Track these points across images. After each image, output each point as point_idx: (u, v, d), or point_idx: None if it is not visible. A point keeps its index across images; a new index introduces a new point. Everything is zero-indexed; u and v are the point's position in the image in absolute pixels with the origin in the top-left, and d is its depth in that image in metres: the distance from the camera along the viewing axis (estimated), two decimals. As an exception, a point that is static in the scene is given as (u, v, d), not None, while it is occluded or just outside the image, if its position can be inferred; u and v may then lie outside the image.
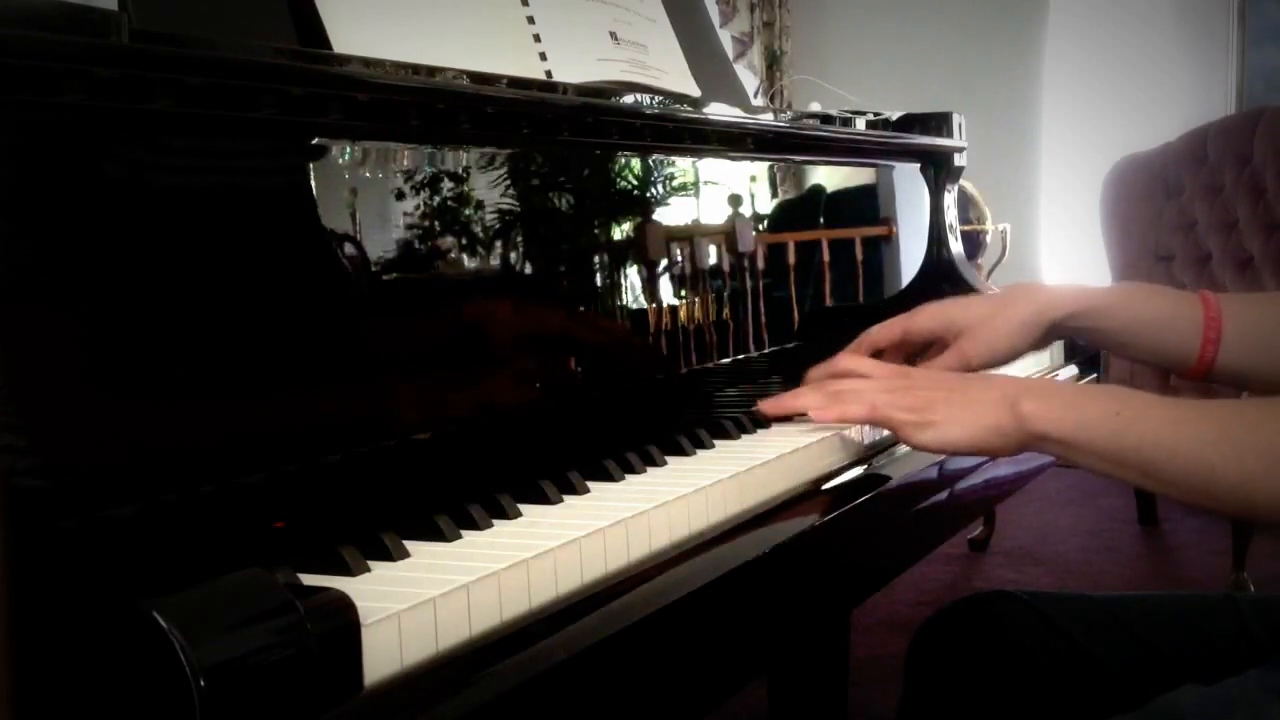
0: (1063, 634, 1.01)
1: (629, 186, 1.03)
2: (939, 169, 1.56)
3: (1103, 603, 1.04)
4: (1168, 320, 1.01)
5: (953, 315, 1.07)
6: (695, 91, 1.21)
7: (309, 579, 0.59)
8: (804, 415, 0.96)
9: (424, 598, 0.57)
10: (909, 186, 1.53)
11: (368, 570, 0.62)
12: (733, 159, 1.18)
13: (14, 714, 0.50)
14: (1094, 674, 0.99)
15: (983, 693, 1.02)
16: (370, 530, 0.65)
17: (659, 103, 1.08)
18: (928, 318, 1.08)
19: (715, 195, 1.15)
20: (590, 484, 0.81)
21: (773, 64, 4.56)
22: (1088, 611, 1.02)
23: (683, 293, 1.07)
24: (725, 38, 3.96)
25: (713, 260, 1.12)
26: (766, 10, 4.57)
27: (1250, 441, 0.79)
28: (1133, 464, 0.83)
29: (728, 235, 1.14)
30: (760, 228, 1.21)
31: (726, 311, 1.13)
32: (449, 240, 0.84)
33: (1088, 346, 1.41)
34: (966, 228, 2.71)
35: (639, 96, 1.06)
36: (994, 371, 1.07)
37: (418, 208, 0.82)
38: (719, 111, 1.15)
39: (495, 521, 0.72)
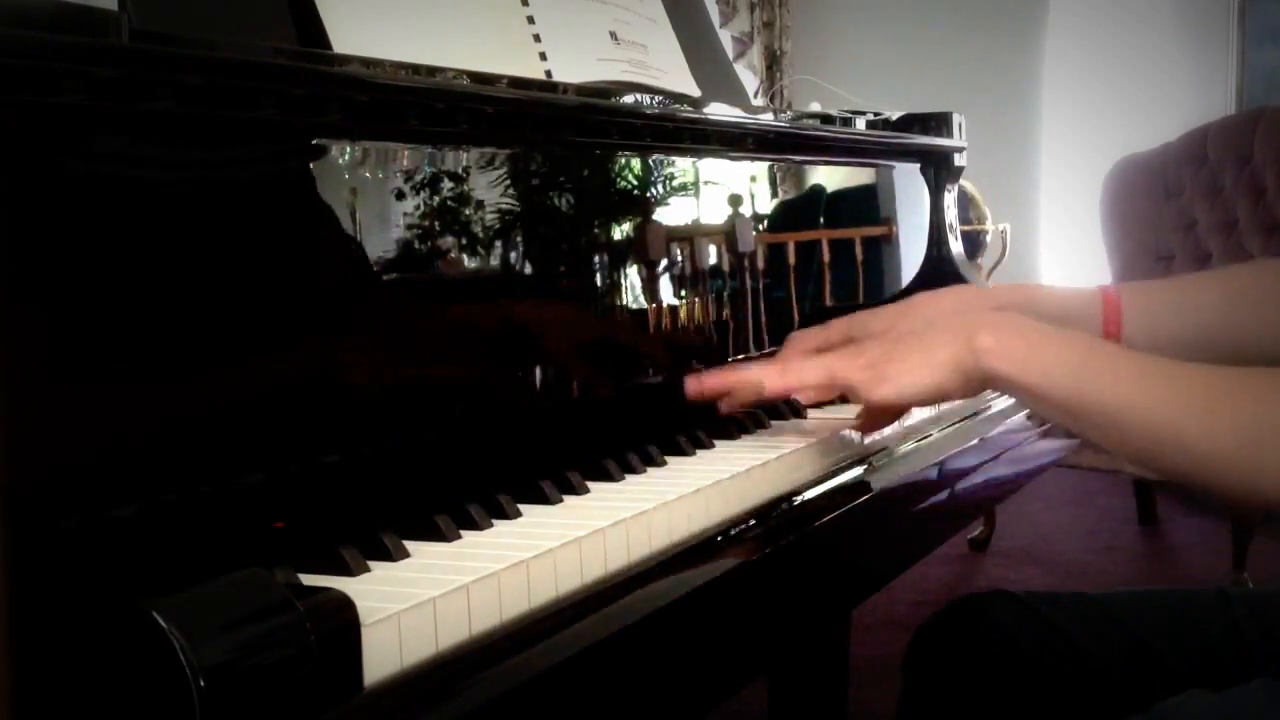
0: (1059, 632, 1.00)
1: (629, 186, 1.03)
2: (939, 169, 1.56)
3: (1098, 601, 1.04)
4: (1066, 317, 0.97)
5: (864, 320, 1.02)
6: (695, 91, 1.21)
7: (309, 579, 0.59)
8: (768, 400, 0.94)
9: (424, 598, 0.57)
10: (909, 186, 1.52)
11: (368, 570, 0.62)
12: (733, 159, 1.18)
13: (14, 714, 0.50)
14: (1090, 672, 0.99)
15: (980, 693, 1.02)
16: (370, 530, 0.65)
17: (659, 103, 1.08)
18: (841, 325, 1.02)
19: (715, 195, 1.15)
20: (590, 484, 0.81)
21: (773, 64, 4.56)
22: (1083, 610, 1.02)
23: (683, 293, 1.07)
24: (725, 38, 3.96)
25: (713, 260, 1.12)
26: (766, 10, 4.57)
27: (1225, 413, 0.74)
28: (1092, 417, 0.78)
29: (728, 235, 1.14)
30: (760, 228, 1.21)
31: (727, 312, 1.13)
32: (449, 240, 0.84)
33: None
34: (966, 228, 2.71)
35: (639, 96, 1.06)
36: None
37: (418, 208, 0.82)
38: (719, 111, 1.15)
39: (495, 521, 0.72)
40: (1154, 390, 0.77)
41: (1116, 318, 0.97)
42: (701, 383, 0.95)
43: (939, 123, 1.56)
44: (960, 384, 0.84)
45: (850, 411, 1.05)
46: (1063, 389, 0.79)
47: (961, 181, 1.62)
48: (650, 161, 1.05)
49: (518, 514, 0.74)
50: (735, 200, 1.18)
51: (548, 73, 1.04)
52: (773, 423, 1.03)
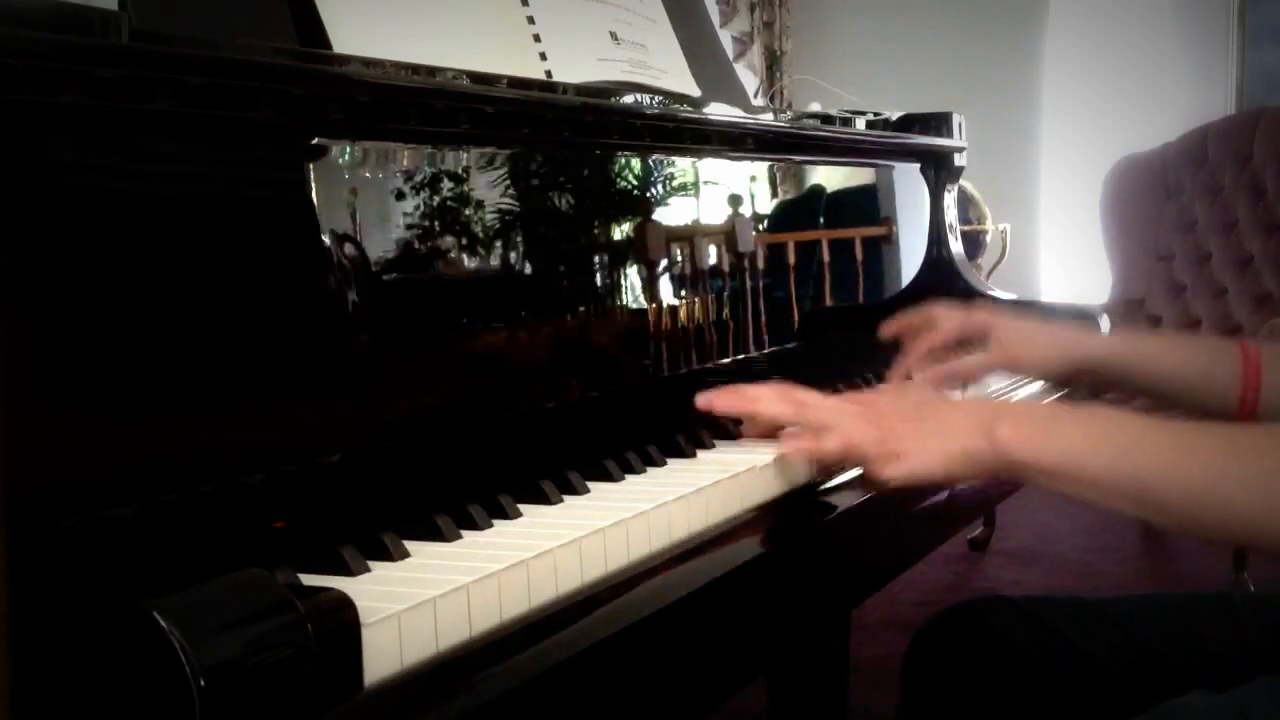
0: (1058, 637, 1.00)
1: (629, 186, 1.03)
2: (939, 169, 1.56)
3: (1097, 604, 1.04)
4: (1205, 372, 0.99)
5: (1006, 322, 1.11)
6: (695, 91, 1.21)
7: (309, 579, 0.59)
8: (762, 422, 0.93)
9: (424, 598, 0.57)
10: (909, 186, 1.52)
11: (368, 570, 0.62)
12: (733, 159, 1.18)
13: (14, 713, 0.50)
14: (1090, 676, 0.99)
15: (979, 698, 1.02)
16: (370, 530, 0.65)
17: (659, 103, 1.08)
18: (983, 314, 1.12)
19: (715, 195, 1.15)
20: (590, 484, 0.81)
21: (773, 64, 4.56)
22: (1082, 613, 1.02)
23: (683, 293, 1.07)
24: (725, 38, 3.96)
25: (713, 260, 1.12)
26: (766, 10, 4.57)
27: (1265, 470, 0.74)
28: (1128, 493, 0.78)
29: (728, 235, 1.14)
30: (760, 228, 1.21)
31: (726, 311, 1.13)
32: (449, 240, 0.84)
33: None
34: (966, 228, 2.71)
35: (639, 96, 1.06)
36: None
37: (418, 208, 0.82)
38: (719, 111, 1.15)
39: (495, 521, 0.72)
40: (1191, 457, 0.76)
41: (1256, 372, 0.97)
42: (713, 401, 0.92)
43: (939, 123, 1.56)
44: (970, 472, 0.83)
45: None
46: (1095, 469, 0.78)
47: (961, 181, 1.62)
48: (650, 161, 1.05)
49: (518, 514, 0.74)
50: (735, 200, 1.18)
51: (548, 73, 1.04)
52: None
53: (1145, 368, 1.04)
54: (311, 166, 0.74)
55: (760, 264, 1.18)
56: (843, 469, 0.93)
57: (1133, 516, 0.80)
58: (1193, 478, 0.76)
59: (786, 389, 0.91)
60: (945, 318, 1.13)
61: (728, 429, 0.98)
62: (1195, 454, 0.77)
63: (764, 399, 0.90)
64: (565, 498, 0.78)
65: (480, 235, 0.86)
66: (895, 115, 1.55)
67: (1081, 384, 1.13)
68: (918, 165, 1.54)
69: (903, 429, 0.84)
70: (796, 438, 0.88)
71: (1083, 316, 1.45)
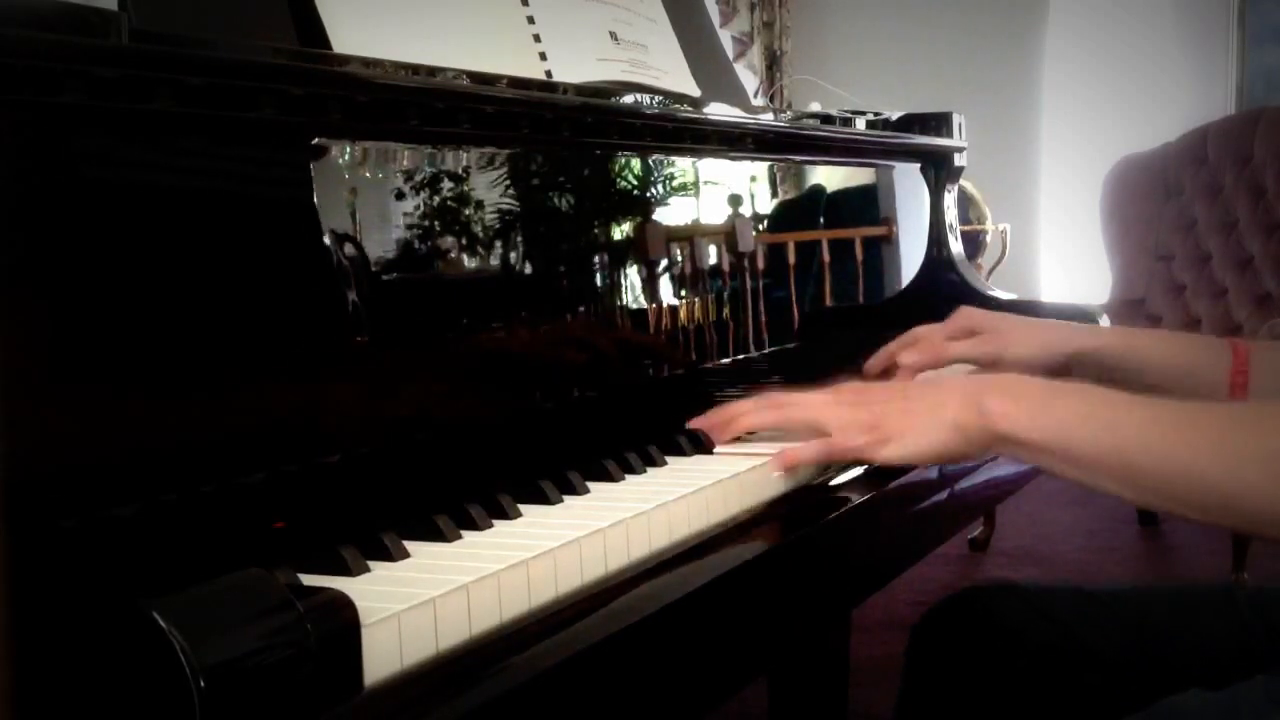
0: (1059, 625, 1.00)
1: (629, 186, 1.03)
2: (939, 169, 1.56)
3: (1101, 595, 1.04)
4: (1194, 367, 1.00)
5: (991, 315, 1.10)
6: (695, 91, 1.21)
7: (309, 579, 0.59)
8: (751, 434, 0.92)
9: (424, 598, 0.57)
10: (909, 186, 1.52)
11: (368, 570, 0.62)
12: (733, 159, 1.18)
13: (14, 714, 0.50)
14: (1091, 665, 0.99)
15: (981, 684, 1.02)
16: (370, 530, 0.65)
17: (659, 103, 1.08)
18: (965, 315, 1.11)
19: (715, 195, 1.15)
20: (590, 484, 0.81)
21: (773, 64, 4.56)
22: (1086, 604, 1.02)
23: (683, 293, 1.07)
24: (725, 38, 3.96)
25: (713, 260, 1.12)
26: (766, 10, 4.57)
27: (1250, 449, 0.74)
28: (1112, 470, 0.78)
29: (728, 235, 1.14)
30: (760, 228, 1.21)
31: (726, 311, 1.13)
32: (449, 240, 0.84)
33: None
34: (966, 228, 2.71)
35: (639, 96, 1.06)
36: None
37: (418, 208, 0.82)
38: (719, 111, 1.15)
39: (495, 521, 0.72)
40: (1173, 434, 0.76)
41: (1244, 369, 0.97)
42: (703, 430, 0.93)
43: (939, 123, 1.56)
44: (966, 447, 0.83)
45: None
46: (1078, 444, 0.79)
47: (961, 181, 1.62)
48: (650, 161, 1.05)
49: (518, 514, 0.74)
50: (735, 200, 1.18)
51: (548, 73, 1.04)
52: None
53: (1134, 362, 1.03)
54: (311, 166, 0.74)
55: (760, 264, 1.18)
56: (841, 469, 0.94)
57: (1116, 494, 0.80)
58: (1173, 454, 0.76)
59: (768, 397, 0.92)
60: (930, 333, 1.12)
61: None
62: (1177, 430, 0.76)
63: (747, 414, 0.90)
64: (565, 498, 0.78)
65: (480, 235, 0.86)
66: (895, 115, 1.55)
67: (1069, 378, 1.13)
68: (918, 165, 1.54)
69: (892, 410, 0.85)
70: (781, 455, 0.87)
71: (1082, 316, 1.46)
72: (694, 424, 0.94)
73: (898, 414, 0.84)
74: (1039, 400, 0.81)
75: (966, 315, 1.12)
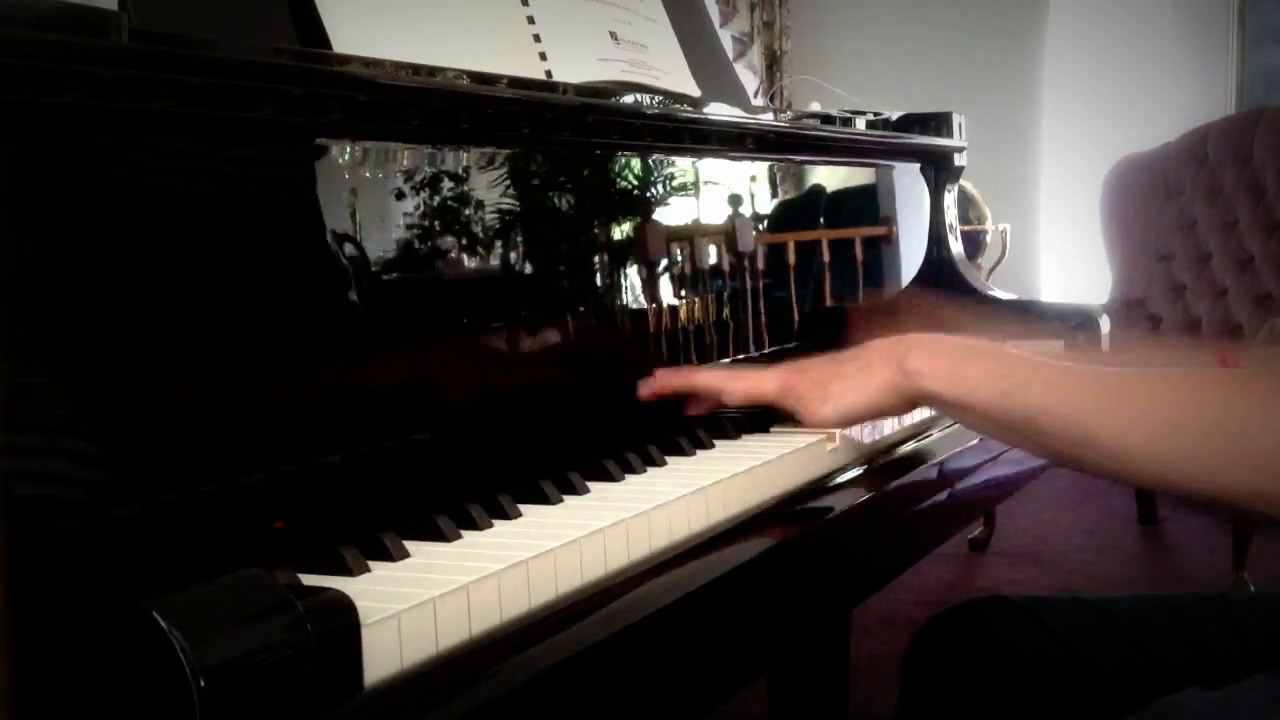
0: (1057, 638, 1.00)
1: (629, 186, 1.03)
2: (939, 169, 1.56)
3: (1097, 605, 1.04)
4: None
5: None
6: (695, 91, 1.21)
7: (309, 579, 0.59)
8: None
9: (424, 598, 0.57)
10: (909, 186, 1.52)
11: (368, 570, 0.62)
12: (733, 159, 1.18)
13: (14, 714, 0.50)
14: (1089, 678, 0.99)
15: (978, 698, 1.02)
16: (370, 530, 0.65)
17: (659, 103, 1.08)
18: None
19: (715, 195, 1.15)
20: (590, 484, 0.81)
21: (773, 64, 4.56)
22: (1081, 614, 1.02)
23: (683, 293, 1.07)
24: (725, 38, 3.96)
25: (713, 260, 1.12)
26: (766, 10, 4.57)
27: (1132, 412, 0.77)
28: (1017, 427, 0.82)
29: (728, 235, 1.14)
30: (760, 228, 1.21)
31: (726, 311, 1.13)
32: (449, 240, 0.84)
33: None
34: (966, 228, 2.71)
35: (639, 96, 1.06)
36: None
37: (418, 208, 0.82)
38: (719, 111, 1.14)
39: (495, 521, 0.72)
40: (1069, 396, 0.80)
41: None
42: (656, 383, 0.98)
43: (939, 123, 1.56)
44: (896, 403, 0.89)
45: None
46: (987, 401, 0.83)
47: (961, 181, 1.62)
48: (650, 161, 1.05)
49: (518, 514, 0.74)
50: (735, 200, 1.18)
51: (548, 73, 1.04)
52: (773, 425, 1.03)
53: None
54: (311, 166, 0.74)
55: (760, 264, 1.18)
56: (841, 468, 0.94)
57: (1029, 451, 0.86)
58: (1070, 417, 0.79)
59: (717, 369, 0.98)
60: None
61: (727, 429, 0.98)
62: (1078, 394, 0.80)
63: (698, 375, 0.97)
64: (565, 498, 0.78)
65: (481, 235, 0.86)
66: (895, 115, 1.55)
67: None
68: (918, 165, 1.54)
69: (828, 374, 0.91)
70: (734, 382, 0.94)
71: (1083, 317, 1.45)
72: (645, 387, 0.97)
73: (833, 377, 0.90)
74: (957, 359, 0.85)
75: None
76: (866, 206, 1.46)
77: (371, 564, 0.63)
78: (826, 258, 1.31)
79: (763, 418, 1.03)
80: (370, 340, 0.77)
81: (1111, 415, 0.78)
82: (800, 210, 1.32)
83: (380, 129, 0.79)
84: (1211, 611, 1.00)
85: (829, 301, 1.31)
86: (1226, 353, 1.00)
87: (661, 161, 1.06)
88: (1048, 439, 0.81)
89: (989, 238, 3.25)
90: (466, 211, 0.85)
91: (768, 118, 1.31)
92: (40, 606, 0.51)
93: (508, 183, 0.89)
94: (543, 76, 1.03)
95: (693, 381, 0.98)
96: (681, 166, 1.10)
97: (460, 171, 0.85)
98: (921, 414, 1.09)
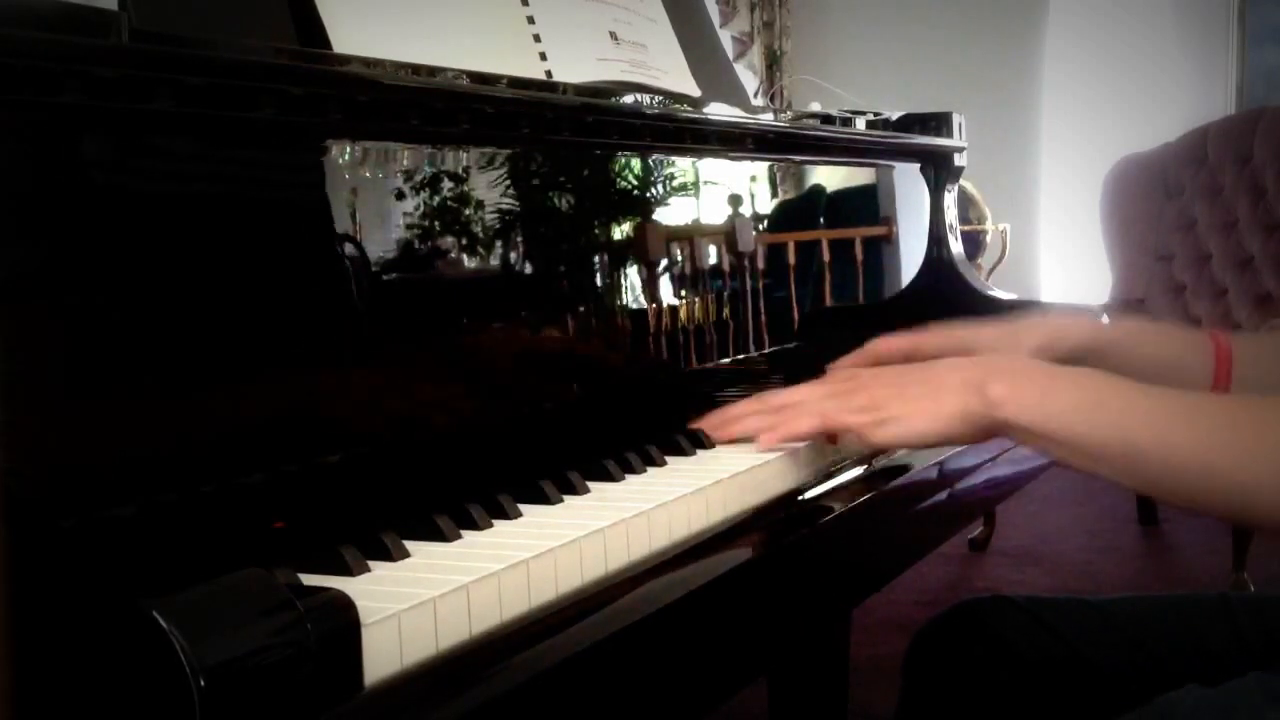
0: (1058, 638, 1.00)
1: (629, 186, 1.03)
2: (939, 169, 1.56)
3: (1097, 606, 1.03)
4: (1178, 361, 0.97)
5: (963, 337, 1.00)
6: (695, 91, 1.21)
7: (309, 579, 0.59)
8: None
9: (424, 598, 0.57)
10: (909, 186, 1.52)
11: (368, 570, 0.62)
12: (733, 159, 1.18)
13: (14, 713, 0.50)
14: (1089, 678, 0.99)
15: (979, 699, 1.02)
16: (370, 530, 0.65)
17: (659, 103, 1.08)
18: (938, 338, 1.01)
19: (715, 195, 1.15)
20: (590, 484, 0.81)
21: (773, 64, 4.56)
22: (1082, 615, 1.02)
23: (683, 293, 1.07)
24: (725, 38, 3.96)
25: (713, 260, 1.12)
26: (766, 10, 4.57)
27: (1258, 443, 0.72)
28: (1114, 460, 0.76)
29: (728, 235, 1.14)
30: (760, 228, 1.21)
31: (726, 311, 1.13)
32: (449, 240, 0.84)
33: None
34: (966, 228, 2.71)
35: (639, 96, 1.06)
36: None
37: (418, 208, 0.82)
38: (719, 111, 1.14)
39: (495, 521, 0.72)
40: (1179, 425, 0.75)
41: (1227, 365, 0.95)
42: (708, 433, 0.93)
43: (939, 123, 1.56)
44: (968, 433, 0.82)
45: None
46: (1082, 432, 0.77)
47: (961, 181, 1.62)
48: (650, 161, 1.05)
49: (518, 514, 0.74)
50: (735, 200, 1.18)
51: (548, 73, 1.04)
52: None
53: (1121, 356, 1.01)
54: (311, 167, 0.74)
55: (760, 264, 1.18)
56: (841, 468, 0.94)
57: (1119, 483, 0.79)
58: (1182, 447, 0.74)
59: (762, 398, 0.92)
60: (926, 345, 1.02)
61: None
62: (1186, 421, 0.75)
63: (745, 420, 0.91)
64: (565, 498, 0.78)
65: (480, 235, 0.86)
66: (895, 115, 1.55)
67: None
68: (918, 165, 1.54)
69: (888, 394, 0.84)
70: (770, 434, 0.88)
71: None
72: (696, 424, 0.94)
73: (895, 399, 0.83)
74: (1043, 386, 0.80)
75: (940, 336, 1.01)
76: (866, 206, 1.46)
77: (371, 564, 0.63)
78: (826, 258, 1.31)
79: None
80: (370, 340, 0.77)
81: (1226, 445, 0.73)
82: (800, 210, 1.32)
83: (380, 129, 0.79)
84: (1211, 612, 1.00)
85: (829, 301, 1.31)
86: (1218, 333, 1.00)
87: (661, 161, 1.06)
88: (1152, 470, 0.75)
89: (989, 238, 3.25)
90: (467, 212, 0.85)
91: (768, 118, 1.31)
92: (40, 606, 0.51)
93: (508, 183, 0.89)
94: (543, 76, 1.03)
95: (735, 430, 0.92)
96: (681, 166, 1.10)
97: (460, 171, 0.85)
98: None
